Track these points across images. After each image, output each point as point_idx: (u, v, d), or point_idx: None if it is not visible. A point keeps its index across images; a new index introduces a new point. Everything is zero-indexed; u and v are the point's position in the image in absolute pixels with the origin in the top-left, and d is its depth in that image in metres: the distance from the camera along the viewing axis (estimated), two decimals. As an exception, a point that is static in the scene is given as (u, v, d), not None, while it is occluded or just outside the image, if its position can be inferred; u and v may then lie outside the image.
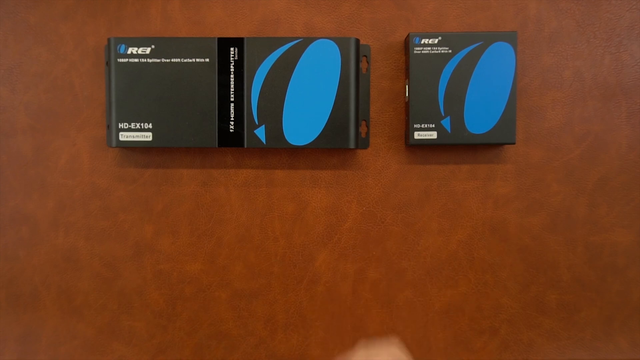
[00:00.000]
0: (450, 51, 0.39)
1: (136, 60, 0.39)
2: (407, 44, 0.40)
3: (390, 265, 0.43)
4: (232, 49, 0.39)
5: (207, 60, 0.39)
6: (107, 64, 0.40)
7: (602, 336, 0.42)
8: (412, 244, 0.43)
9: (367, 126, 0.41)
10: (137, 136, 0.40)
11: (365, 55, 0.40)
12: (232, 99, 0.39)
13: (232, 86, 0.39)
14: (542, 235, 0.42)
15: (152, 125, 0.40)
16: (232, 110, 0.39)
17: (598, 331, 0.42)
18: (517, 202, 0.42)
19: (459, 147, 0.42)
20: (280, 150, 0.42)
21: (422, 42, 0.39)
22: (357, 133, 0.40)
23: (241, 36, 0.41)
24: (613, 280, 0.42)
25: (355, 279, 0.43)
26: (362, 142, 0.41)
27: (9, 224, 0.43)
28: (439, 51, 0.39)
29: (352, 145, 0.39)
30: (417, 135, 0.39)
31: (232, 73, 0.39)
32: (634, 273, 0.42)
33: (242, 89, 0.39)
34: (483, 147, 0.42)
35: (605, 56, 0.41)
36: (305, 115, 0.39)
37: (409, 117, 0.39)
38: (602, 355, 0.43)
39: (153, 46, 0.39)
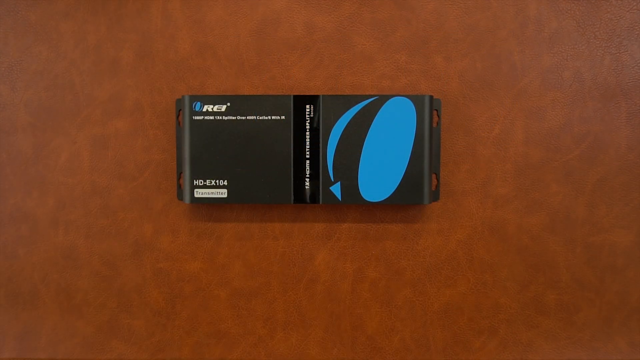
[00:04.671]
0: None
1: (211, 117, 0.40)
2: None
3: (389, 265, 0.43)
4: (307, 106, 0.40)
5: (283, 117, 0.40)
6: (179, 120, 0.41)
7: (601, 336, 0.42)
8: (411, 243, 0.43)
9: (438, 179, 0.41)
10: (212, 193, 0.40)
11: (436, 109, 0.41)
12: (307, 156, 0.40)
13: (307, 143, 0.40)
14: (541, 236, 0.42)
15: (227, 182, 0.40)
16: (307, 168, 0.40)
17: (597, 331, 0.42)
18: (516, 202, 0.42)
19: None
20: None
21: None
22: (430, 188, 0.40)
23: (317, 94, 0.41)
24: (612, 281, 0.42)
25: (355, 278, 0.43)
26: (434, 196, 0.41)
27: (9, 222, 0.44)
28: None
29: (426, 201, 0.40)
30: None
31: (307, 130, 0.40)
32: (633, 273, 0.42)
33: (318, 146, 0.40)
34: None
35: (605, 57, 0.41)
36: (380, 172, 0.40)
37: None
38: (601, 356, 0.43)
39: (229, 104, 0.40)
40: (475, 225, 0.42)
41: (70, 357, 0.44)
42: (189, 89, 0.43)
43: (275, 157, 0.40)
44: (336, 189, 0.40)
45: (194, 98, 0.40)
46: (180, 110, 0.41)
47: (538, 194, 0.42)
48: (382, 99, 0.39)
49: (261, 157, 0.40)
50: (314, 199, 0.40)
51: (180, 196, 0.42)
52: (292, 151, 0.40)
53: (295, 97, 0.40)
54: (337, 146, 0.40)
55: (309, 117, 0.40)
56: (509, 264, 0.42)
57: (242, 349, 0.44)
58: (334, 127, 0.40)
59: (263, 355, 0.44)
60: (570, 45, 0.41)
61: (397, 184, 0.40)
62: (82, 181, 0.43)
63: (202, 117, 0.40)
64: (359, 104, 0.39)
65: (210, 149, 0.40)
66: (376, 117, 0.39)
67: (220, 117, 0.40)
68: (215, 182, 0.40)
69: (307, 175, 0.40)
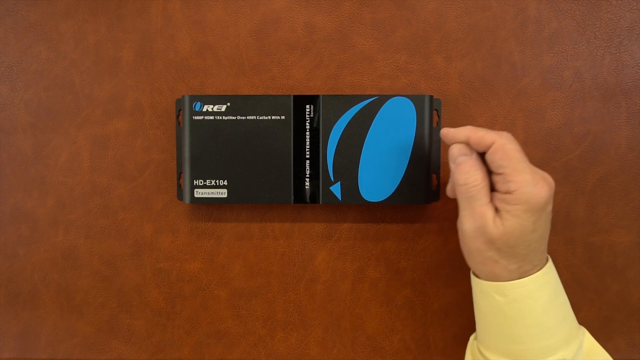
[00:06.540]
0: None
1: (211, 117, 0.40)
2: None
3: (389, 265, 0.43)
4: (307, 106, 0.40)
5: (283, 117, 0.40)
6: (179, 120, 0.41)
7: (600, 336, 0.42)
8: (411, 243, 0.43)
9: (438, 179, 0.41)
10: (212, 193, 0.40)
11: (436, 109, 0.40)
12: (307, 156, 0.40)
13: (307, 143, 0.40)
14: (541, 236, 0.42)
15: (227, 182, 0.40)
16: (307, 167, 0.40)
17: (597, 331, 0.42)
18: (516, 202, 0.42)
19: None
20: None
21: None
22: (430, 188, 0.40)
23: (317, 94, 0.41)
24: (612, 281, 0.42)
25: (355, 278, 0.43)
26: (434, 196, 0.41)
27: (9, 222, 0.44)
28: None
29: (426, 201, 0.40)
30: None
31: (307, 130, 0.40)
32: (633, 274, 0.42)
33: (318, 146, 0.40)
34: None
35: (606, 57, 0.41)
36: (381, 172, 0.39)
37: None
38: (601, 356, 0.43)
39: (229, 104, 0.40)
40: (475, 225, 0.42)
41: (70, 357, 0.44)
42: (189, 89, 0.43)
43: (275, 157, 0.40)
44: (336, 189, 0.40)
45: (194, 98, 0.40)
46: (180, 110, 0.41)
47: (538, 194, 0.42)
48: (382, 99, 0.39)
49: (261, 157, 0.40)
50: (314, 199, 0.40)
51: (180, 196, 0.42)
52: (292, 151, 0.40)
53: (295, 97, 0.40)
54: (337, 146, 0.40)
55: (309, 117, 0.40)
56: (509, 264, 0.42)
57: (242, 349, 0.44)
58: (334, 127, 0.40)
59: (263, 355, 0.44)
60: (570, 45, 0.41)
61: (397, 184, 0.40)
62: (82, 181, 0.43)
63: (202, 117, 0.40)
64: (359, 104, 0.39)
65: (210, 149, 0.40)
66: (376, 117, 0.39)
67: (220, 117, 0.40)
68: (215, 182, 0.40)
69: (307, 175, 0.40)
